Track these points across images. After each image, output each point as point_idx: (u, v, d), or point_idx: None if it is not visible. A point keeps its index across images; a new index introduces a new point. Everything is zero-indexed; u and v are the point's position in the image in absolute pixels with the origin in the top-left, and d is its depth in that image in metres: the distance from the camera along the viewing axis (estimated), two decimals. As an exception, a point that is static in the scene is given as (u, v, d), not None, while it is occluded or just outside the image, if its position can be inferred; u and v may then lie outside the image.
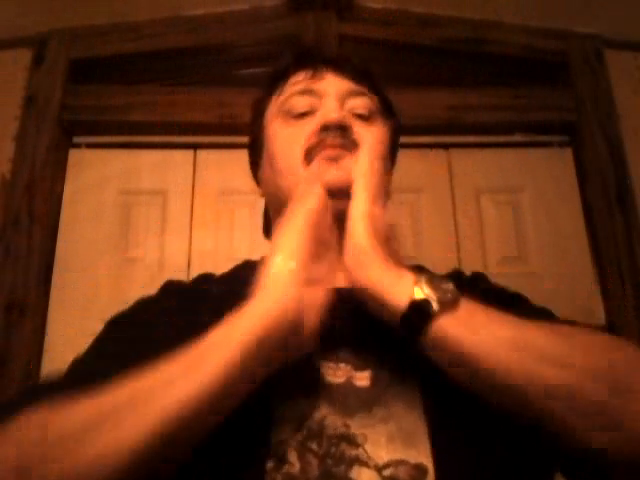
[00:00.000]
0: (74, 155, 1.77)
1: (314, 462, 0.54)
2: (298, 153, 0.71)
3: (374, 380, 0.59)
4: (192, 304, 0.70)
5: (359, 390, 0.58)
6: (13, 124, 1.73)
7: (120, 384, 0.51)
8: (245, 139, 1.99)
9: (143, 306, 0.72)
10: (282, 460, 0.54)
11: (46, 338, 1.57)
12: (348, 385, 0.59)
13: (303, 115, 0.75)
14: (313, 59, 0.80)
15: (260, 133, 0.81)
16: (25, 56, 1.81)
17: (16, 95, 1.76)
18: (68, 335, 1.55)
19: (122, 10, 1.81)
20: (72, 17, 1.81)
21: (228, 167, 1.74)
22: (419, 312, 0.54)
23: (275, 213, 0.79)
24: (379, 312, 0.58)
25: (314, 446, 0.54)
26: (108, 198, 1.72)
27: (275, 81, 0.80)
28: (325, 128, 0.71)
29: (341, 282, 0.65)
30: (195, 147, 1.78)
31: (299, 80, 0.77)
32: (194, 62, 1.88)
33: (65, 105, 1.76)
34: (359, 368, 0.60)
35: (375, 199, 0.63)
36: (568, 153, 1.82)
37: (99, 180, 1.74)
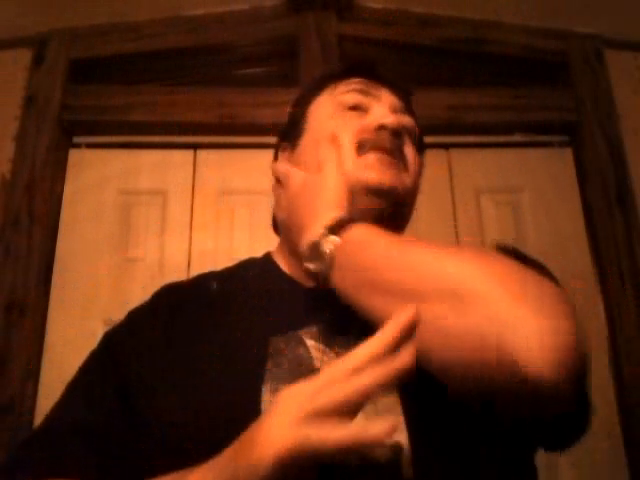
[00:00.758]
0: (74, 155, 1.77)
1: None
2: (350, 143, 0.70)
3: None
4: (189, 308, 0.69)
5: None
6: (13, 124, 1.74)
7: None
8: (245, 139, 1.99)
9: (137, 323, 0.71)
10: None
11: (46, 338, 1.57)
12: None
13: (354, 109, 0.74)
14: (369, 70, 0.80)
15: (302, 118, 0.78)
16: (25, 56, 1.81)
17: (16, 95, 1.77)
18: (68, 335, 1.55)
19: (122, 10, 1.81)
20: (72, 17, 1.81)
21: (228, 167, 1.74)
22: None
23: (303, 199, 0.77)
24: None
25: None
26: (108, 198, 1.72)
27: (330, 78, 0.79)
28: (382, 127, 0.71)
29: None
30: (195, 147, 1.78)
31: (355, 82, 0.76)
32: (194, 62, 1.88)
33: (65, 105, 1.76)
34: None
35: None
36: (568, 153, 1.82)
37: (99, 180, 1.74)
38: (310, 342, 0.62)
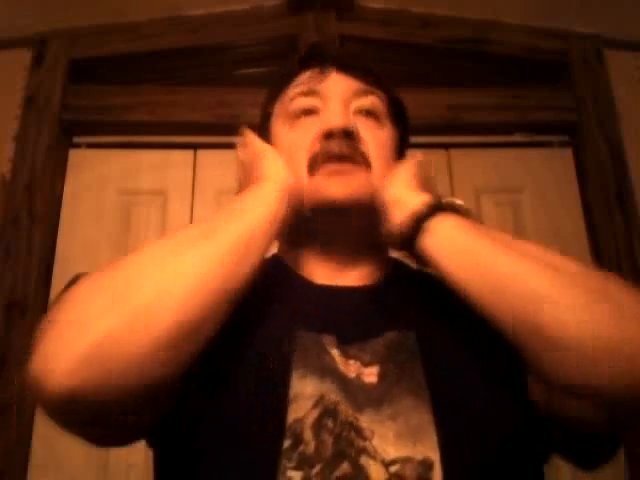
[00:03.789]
0: (74, 155, 1.77)
1: (329, 441, 0.54)
2: (302, 160, 0.68)
3: (382, 376, 0.59)
4: None
5: (367, 387, 0.58)
6: (13, 124, 1.74)
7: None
8: (245, 139, 1.96)
9: None
10: (298, 440, 0.54)
11: (46, 338, 1.57)
12: (358, 381, 0.59)
13: (306, 114, 0.71)
14: (318, 58, 0.76)
15: (267, 139, 0.76)
16: (25, 56, 1.81)
17: (16, 95, 1.77)
18: (68, 335, 1.55)
19: (122, 10, 1.81)
20: (72, 17, 1.81)
21: (228, 167, 1.73)
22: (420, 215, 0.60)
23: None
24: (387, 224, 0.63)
25: (329, 423, 0.55)
26: (108, 198, 1.73)
27: (280, 84, 0.77)
28: (329, 135, 0.67)
29: (350, 281, 0.69)
30: (195, 147, 1.79)
31: (303, 81, 0.73)
32: (194, 62, 1.88)
33: (65, 105, 1.76)
34: (366, 364, 0.60)
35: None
36: (568, 153, 1.82)
37: (99, 180, 1.74)
38: (333, 350, 0.61)
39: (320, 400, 0.56)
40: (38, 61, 1.81)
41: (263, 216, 0.60)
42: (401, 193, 0.64)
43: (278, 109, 0.75)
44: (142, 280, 0.52)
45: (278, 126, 0.74)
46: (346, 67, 0.73)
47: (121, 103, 1.77)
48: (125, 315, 0.50)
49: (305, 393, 0.56)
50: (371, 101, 0.72)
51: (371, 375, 0.59)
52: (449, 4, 1.87)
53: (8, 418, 1.47)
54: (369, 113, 0.71)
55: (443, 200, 0.62)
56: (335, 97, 0.70)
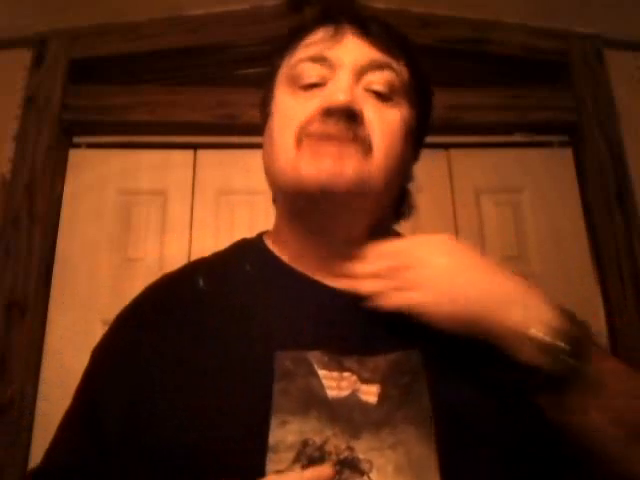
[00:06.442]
0: (74, 155, 1.77)
1: None
2: (291, 134, 0.61)
3: (382, 397, 0.53)
4: (178, 313, 0.62)
5: (365, 406, 0.53)
6: (13, 124, 1.73)
7: None
8: (245, 139, 1.99)
9: (121, 344, 0.64)
10: None
11: (46, 338, 1.57)
12: (353, 399, 0.53)
13: (311, 86, 0.63)
14: (335, 14, 0.66)
15: (268, 101, 0.68)
16: (25, 56, 1.81)
17: (16, 95, 1.76)
18: (68, 335, 1.55)
19: (122, 10, 1.81)
20: (72, 17, 1.81)
21: (228, 167, 1.74)
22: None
23: (274, 195, 0.69)
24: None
25: None
26: (108, 198, 1.72)
27: (290, 39, 0.67)
28: (329, 112, 0.59)
29: (344, 284, 0.61)
30: (195, 147, 1.79)
31: (314, 41, 0.64)
32: (194, 62, 1.88)
33: (65, 105, 1.76)
34: (366, 381, 0.54)
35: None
36: (568, 153, 1.82)
37: (99, 180, 1.74)
38: (322, 372, 0.54)
39: (303, 450, 0.50)
40: (38, 61, 1.80)
41: None
42: (525, 317, 0.52)
43: (284, 68, 0.67)
44: None
45: (280, 89, 0.66)
46: (364, 30, 0.64)
47: (121, 103, 1.77)
48: None
49: (286, 441, 0.50)
50: (386, 77, 0.63)
51: (370, 394, 0.54)
52: (449, 4, 1.87)
53: (8, 418, 1.47)
54: (381, 90, 0.63)
55: (576, 322, 0.53)
56: (345, 68, 0.62)
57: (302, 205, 0.61)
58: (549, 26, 1.89)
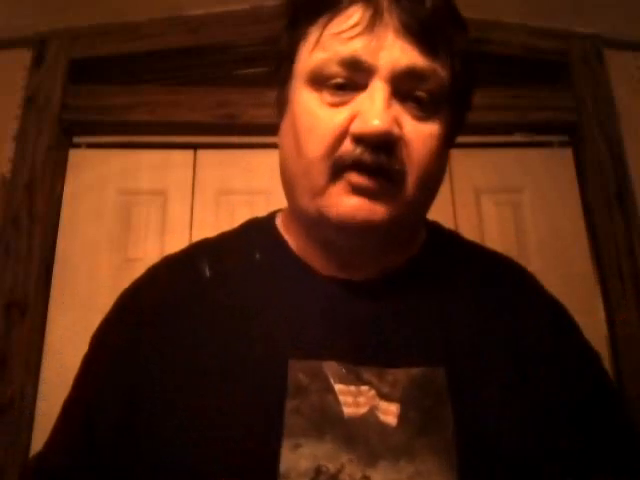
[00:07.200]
0: (74, 155, 1.77)
1: None
2: (324, 159, 0.54)
3: (402, 419, 0.49)
4: (179, 309, 0.59)
5: (384, 428, 0.49)
6: (13, 124, 1.73)
7: None
8: (245, 139, 1.99)
9: (126, 331, 0.62)
10: None
11: (46, 338, 1.57)
12: (371, 418, 0.49)
13: (339, 87, 0.54)
14: None
15: (286, 96, 0.60)
16: (25, 56, 1.81)
17: (16, 95, 1.76)
18: (68, 335, 1.55)
19: (122, 10, 1.81)
20: (72, 17, 1.81)
21: (228, 167, 1.74)
22: None
23: (285, 186, 0.61)
24: None
25: None
26: (108, 198, 1.73)
27: (320, 6, 0.58)
28: (361, 140, 0.52)
29: (367, 272, 0.58)
30: (195, 147, 1.78)
31: (344, 29, 0.53)
32: (194, 62, 1.88)
33: (65, 105, 1.76)
34: (385, 396, 0.50)
35: None
36: (568, 153, 1.82)
37: (99, 180, 1.74)
38: (338, 387, 0.51)
39: (316, 477, 0.47)
40: (38, 61, 1.80)
41: None
42: None
43: (305, 60, 0.58)
44: None
45: (302, 87, 0.57)
46: (408, 15, 0.53)
47: (121, 103, 1.77)
48: None
49: (299, 468, 0.47)
50: (429, 86, 0.55)
51: (389, 414, 0.50)
52: (449, 4, 1.86)
53: (8, 418, 1.47)
54: (421, 98, 0.55)
55: None
56: (380, 77, 0.53)
57: (327, 232, 0.57)
58: (549, 26, 1.89)
